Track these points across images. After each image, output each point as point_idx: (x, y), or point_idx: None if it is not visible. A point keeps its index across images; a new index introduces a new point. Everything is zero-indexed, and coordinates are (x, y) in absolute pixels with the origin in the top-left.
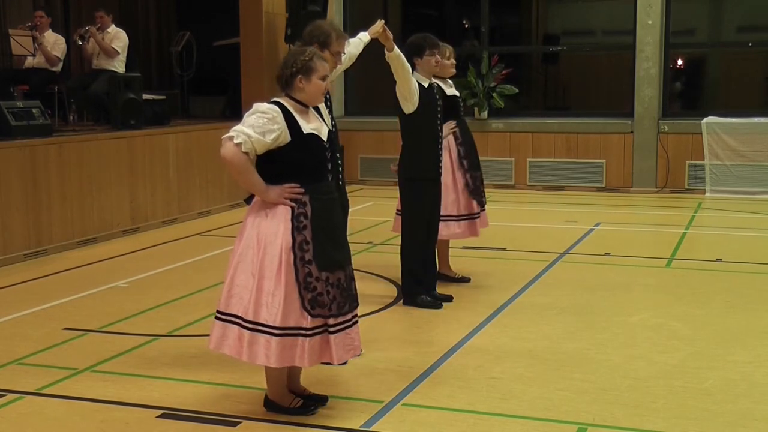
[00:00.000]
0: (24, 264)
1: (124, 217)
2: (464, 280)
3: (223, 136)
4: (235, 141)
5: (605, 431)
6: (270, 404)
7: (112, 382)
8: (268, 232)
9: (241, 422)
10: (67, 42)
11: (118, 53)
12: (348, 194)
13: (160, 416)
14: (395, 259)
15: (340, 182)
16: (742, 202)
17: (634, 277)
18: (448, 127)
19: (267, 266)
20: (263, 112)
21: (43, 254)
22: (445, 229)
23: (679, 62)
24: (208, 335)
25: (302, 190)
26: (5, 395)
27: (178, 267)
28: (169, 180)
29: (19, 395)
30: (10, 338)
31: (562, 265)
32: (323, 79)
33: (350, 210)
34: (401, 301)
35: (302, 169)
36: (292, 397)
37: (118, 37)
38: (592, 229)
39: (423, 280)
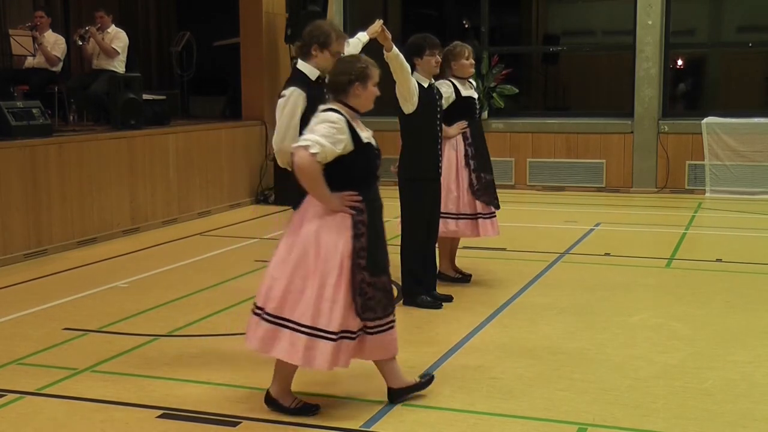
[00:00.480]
0: (24, 264)
1: (124, 217)
2: (465, 279)
3: (293, 145)
4: (311, 150)
5: (605, 431)
6: (272, 402)
7: (112, 382)
8: (329, 239)
9: (241, 422)
10: (67, 42)
11: (118, 53)
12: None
13: (160, 416)
14: (395, 259)
15: None
16: (742, 203)
17: (634, 277)
18: (459, 127)
19: (329, 273)
20: (333, 122)
21: (43, 254)
22: (442, 226)
23: (679, 62)
24: (208, 335)
25: (360, 197)
26: (5, 395)
27: (178, 267)
28: (169, 180)
29: (19, 395)
30: (10, 338)
31: (562, 265)
32: (377, 86)
33: None
34: (401, 301)
35: (358, 176)
36: (293, 398)
37: (118, 37)
38: (592, 229)
39: (423, 280)
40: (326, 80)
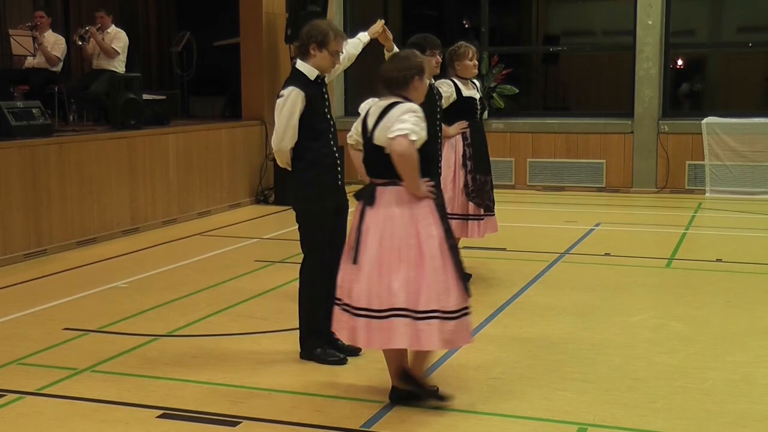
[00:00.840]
0: (24, 264)
1: (124, 217)
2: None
3: (393, 135)
4: (411, 138)
5: (605, 431)
6: (411, 380)
7: (112, 382)
8: (423, 224)
9: (241, 422)
10: (67, 42)
11: (118, 53)
12: (347, 194)
13: (160, 416)
14: None
15: (340, 182)
16: (742, 203)
17: (634, 277)
18: (459, 126)
19: (435, 257)
20: (416, 111)
21: (43, 254)
22: None
23: (679, 62)
24: (208, 335)
25: (433, 183)
26: (5, 395)
27: (178, 267)
28: (169, 180)
29: (19, 395)
30: (10, 338)
31: (562, 266)
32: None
33: (350, 210)
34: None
35: (426, 162)
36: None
37: (118, 37)
38: (592, 230)
39: None
40: (383, 75)
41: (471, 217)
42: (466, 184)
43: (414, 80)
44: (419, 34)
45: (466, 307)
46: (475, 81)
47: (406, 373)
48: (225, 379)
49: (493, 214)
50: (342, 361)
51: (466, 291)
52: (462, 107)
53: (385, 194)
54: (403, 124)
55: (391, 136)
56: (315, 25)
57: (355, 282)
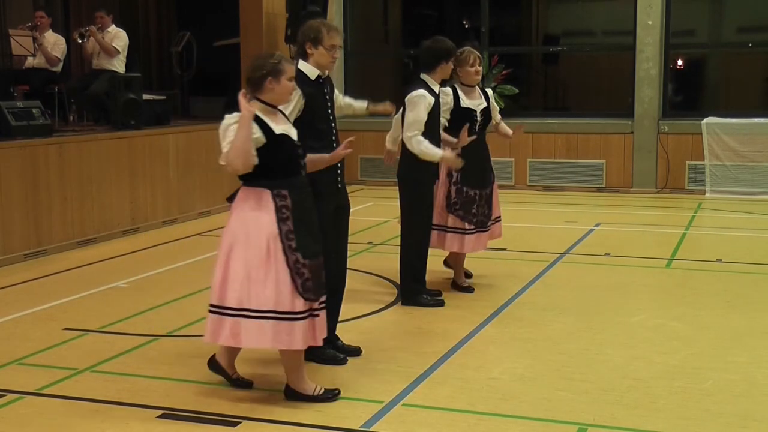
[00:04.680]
0: (24, 264)
1: (124, 217)
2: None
3: (409, 138)
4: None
5: (605, 431)
6: (293, 394)
7: (112, 382)
8: (256, 224)
9: (241, 422)
10: (67, 42)
11: (118, 52)
12: (348, 194)
13: (160, 416)
14: (395, 259)
15: (340, 183)
16: (742, 203)
17: (634, 277)
18: (464, 136)
19: (255, 255)
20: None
21: (43, 254)
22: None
23: (679, 63)
24: None
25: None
26: (5, 395)
27: (178, 267)
28: (169, 180)
29: (19, 395)
30: (10, 338)
31: (562, 266)
32: (291, 80)
33: (350, 210)
34: (401, 301)
35: (277, 166)
36: (313, 384)
37: (118, 37)
38: (592, 230)
39: (422, 279)
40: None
41: (449, 229)
42: (448, 196)
43: (267, 81)
44: (442, 38)
45: (279, 312)
46: (487, 90)
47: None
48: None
49: (486, 230)
50: (342, 361)
51: (299, 294)
52: (459, 118)
53: (239, 193)
54: (413, 126)
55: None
56: (308, 25)
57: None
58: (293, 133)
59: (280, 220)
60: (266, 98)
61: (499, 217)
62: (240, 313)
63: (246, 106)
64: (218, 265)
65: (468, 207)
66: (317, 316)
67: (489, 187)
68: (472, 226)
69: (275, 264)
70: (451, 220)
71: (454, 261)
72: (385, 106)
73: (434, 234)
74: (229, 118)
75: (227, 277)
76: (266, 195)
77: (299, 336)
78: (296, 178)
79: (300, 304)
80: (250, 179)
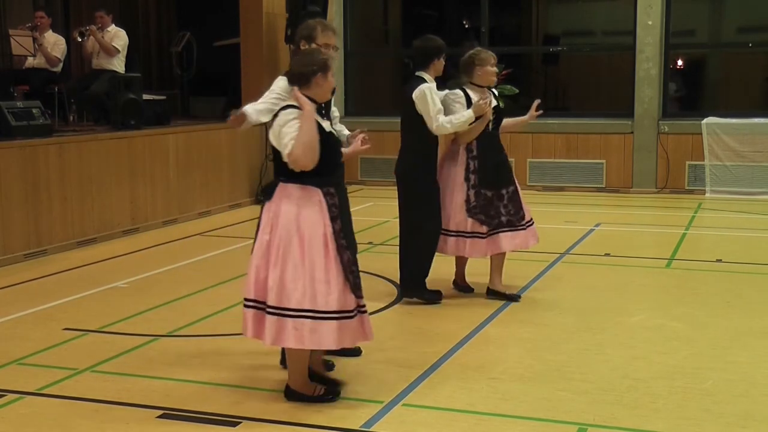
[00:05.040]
0: (24, 264)
1: (124, 217)
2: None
3: (438, 128)
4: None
5: (605, 431)
6: (292, 394)
7: (112, 382)
8: (309, 224)
9: (241, 422)
10: (68, 42)
11: (118, 51)
12: (348, 194)
13: (160, 416)
14: (395, 259)
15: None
16: (742, 203)
17: (634, 277)
18: (481, 105)
19: (316, 255)
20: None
21: (43, 254)
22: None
23: (679, 63)
24: (208, 335)
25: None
26: (5, 395)
27: (178, 267)
28: (169, 180)
29: (19, 395)
30: (10, 338)
31: (562, 266)
32: (333, 76)
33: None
34: (402, 300)
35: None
36: (314, 386)
37: (118, 36)
38: (592, 230)
39: (424, 276)
40: (289, 71)
41: (467, 234)
42: (467, 200)
43: (317, 76)
44: (432, 36)
45: (343, 311)
46: (493, 90)
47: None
48: (225, 379)
49: (520, 228)
50: (329, 368)
51: (352, 292)
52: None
53: (280, 190)
54: (284, 140)
55: (285, 153)
56: (304, 23)
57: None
58: (335, 130)
59: (332, 219)
60: (311, 94)
61: (531, 220)
62: (303, 314)
63: (307, 102)
64: (272, 265)
65: (488, 210)
66: (365, 312)
67: (509, 186)
68: (493, 229)
69: (334, 263)
70: (470, 224)
71: (496, 263)
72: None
73: (452, 240)
74: (286, 114)
75: (286, 277)
76: (316, 193)
77: (350, 334)
78: (340, 177)
79: (352, 302)
80: (297, 177)
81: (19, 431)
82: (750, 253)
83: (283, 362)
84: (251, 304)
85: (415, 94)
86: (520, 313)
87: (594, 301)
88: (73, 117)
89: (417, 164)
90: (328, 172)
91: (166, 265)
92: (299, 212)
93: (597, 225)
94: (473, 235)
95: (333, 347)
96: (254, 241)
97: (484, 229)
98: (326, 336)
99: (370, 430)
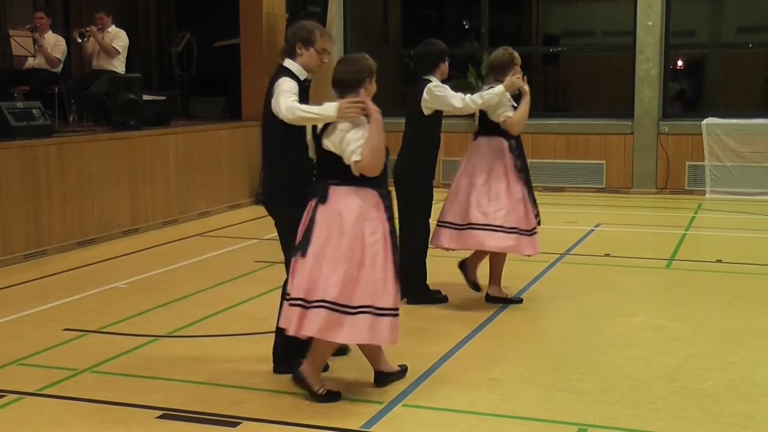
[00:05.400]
0: (24, 264)
1: (124, 217)
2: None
3: (463, 108)
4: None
5: None
6: (301, 380)
7: (111, 382)
8: (371, 224)
9: (241, 422)
10: (68, 42)
11: (118, 52)
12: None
13: (160, 417)
14: None
15: None
16: (742, 203)
17: (634, 278)
18: (513, 81)
19: (377, 254)
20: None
21: (43, 255)
22: (492, 240)
23: (679, 63)
24: (208, 336)
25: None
26: (5, 396)
27: (178, 268)
28: (169, 181)
29: (19, 396)
30: (10, 339)
31: (562, 266)
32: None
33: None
34: (402, 300)
35: None
36: (321, 382)
37: (118, 37)
38: (592, 230)
39: (425, 278)
40: (335, 78)
41: (528, 233)
42: (523, 196)
43: (367, 81)
44: (435, 41)
45: (397, 309)
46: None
47: (380, 376)
48: (225, 379)
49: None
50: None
51: (399, 291)
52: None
53: (336, 193)
54: (351, 146)
55: (353, 160)
56: (300, 25)
57: (300, 274)
58: None
59: (388, 219)
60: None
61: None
62: (364, 310)
63: (376, 109)
64: (340, 262)
65: (534, 206)
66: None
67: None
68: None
69: (391, 263)
70: (525, 222)
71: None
72: None
73: (512, 237)
74: (346, 123)
75: (351, 275)
76: (374, 195)
77: (397, 331)
78: (387, 180)
79: (398, 301)
80: (353, 180)
81: (19, 431)
82: (750, 254)
83: (278, 369)
84: (329, 305)
85: (425, 94)
86: (520, 313)
87: (594, 302)
88: (73, 117)
89: (417, 164)
90: (382, 175)
91: (166, 266)
92: (361, 213)
93: (597, 225)
94: (529, 233)
95: (391, 343)
96: (304, 244)
97: (534, 225)
98: (384, 332)
99: (369, 430)
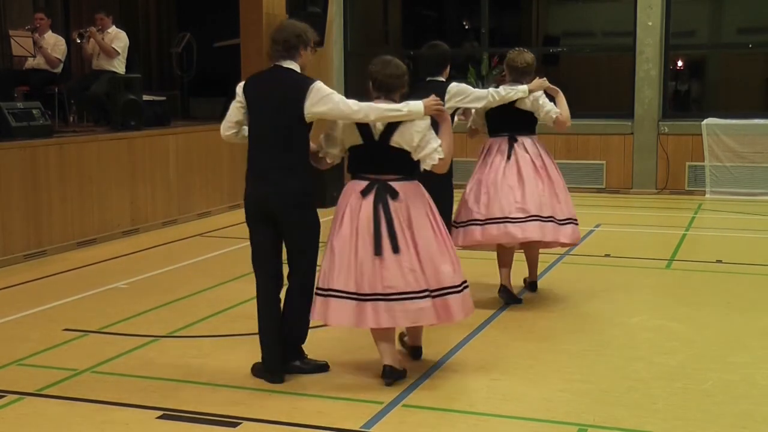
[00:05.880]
0: (24, 265)
1: (124, 218)
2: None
3: (493, 101)
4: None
5: None
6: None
7: (112, 383)
8: (431, 211)
9: (241, 422)
10: (67, 43)
11: (118, 53)
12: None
13: (160, 417)
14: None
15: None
16: (742, 204)
17: (634, 278)
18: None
19: (444, 236)
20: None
21: (43, 255)
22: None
23: (680, 63)
24: (208, 336)
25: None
26: (5, 396)
27: (178, 268)
28: (169, 181)
29: (19, 396)
30: (10, 339)
31: (562, 266)
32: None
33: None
34: None
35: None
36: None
37: (118, 38)
38: (592, 231)
39: None
40: (380, 80)
41: (565, 221)
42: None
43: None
44: (439, 42)
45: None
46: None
47: (417, 350)
48: (225, 379)
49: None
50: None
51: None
52: (520, 112)
53: (403, 187)
54: (433, 144)
55: (432, 162)
56: (299, 27)
57: (383, 269)
58: None
59: (432, 207)
60: (398, 100)
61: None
62: (466, 285)
63: (444, 110)
64: (445, 248)
65: None
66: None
67: None
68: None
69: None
70: (559, 211)
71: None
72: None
73: (548, 225)
74: (423, 123)
75: (439, 261)
76: (422, 187)
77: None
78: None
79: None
80: (409, 175)
81: (19, 431)
82: (750, 254)
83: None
84: (436, 293)
85: (452, 90)
86: (519, 313)
87: (594, 302)
88: (73, 118)
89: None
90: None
91: (165, 266)
92: (425, 203)
93: (597, 226)
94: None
95: (460, 319)
96: (392, 239)
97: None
98: (469, 303)
99: (369, 430)
